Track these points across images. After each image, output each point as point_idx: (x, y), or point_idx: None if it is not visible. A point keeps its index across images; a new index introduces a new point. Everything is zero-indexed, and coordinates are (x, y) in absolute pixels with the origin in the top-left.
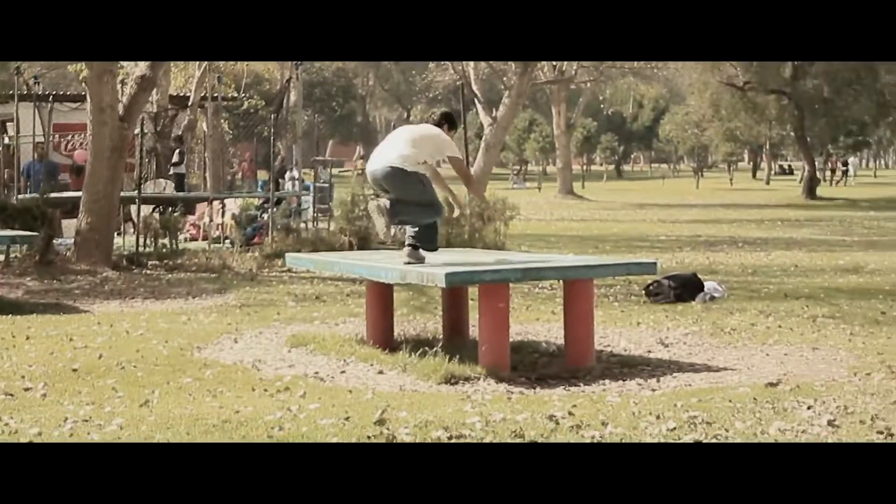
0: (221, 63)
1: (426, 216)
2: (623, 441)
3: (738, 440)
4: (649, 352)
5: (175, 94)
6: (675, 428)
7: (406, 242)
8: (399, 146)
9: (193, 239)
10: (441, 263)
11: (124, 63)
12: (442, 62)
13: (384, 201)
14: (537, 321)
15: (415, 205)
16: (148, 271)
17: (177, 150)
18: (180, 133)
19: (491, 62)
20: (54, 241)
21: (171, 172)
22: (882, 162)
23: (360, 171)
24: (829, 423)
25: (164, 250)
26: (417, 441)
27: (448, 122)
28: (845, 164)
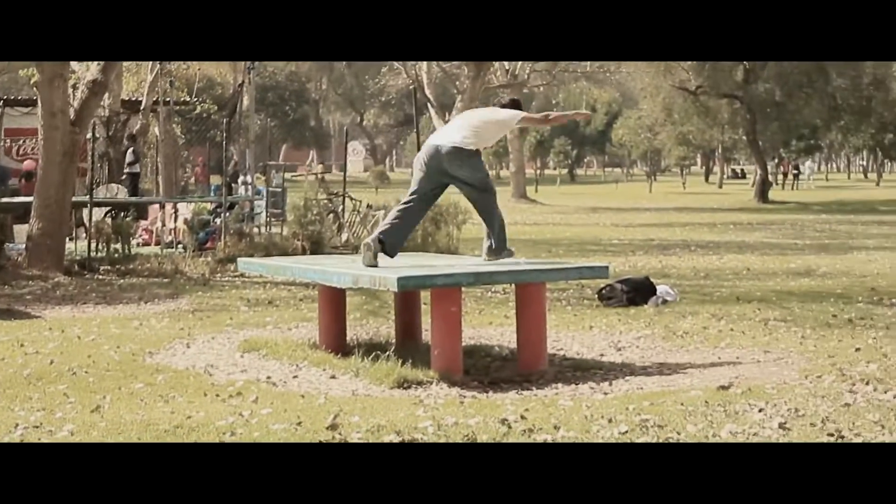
0: (174, 67)
1: (492, 204)
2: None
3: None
4: (602, 355)
5: (127, 98)
6: (626, 431)
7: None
8: (463, 130)
9: (146, 244)
10: (394, 267)
11: (76, 67)
12: (395, 67)
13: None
14: (490, 325)
15: (479, 189)
16: (100, 276)
17: (130, 150)
18: (133, 133)
19: (444, 67)
20: (6, 246)
21: (126, 172)
22: (834, 165)
23: (315, 175)
24: (781, 425)
25: (116, 255)
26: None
27: (516, 108)
28: (797, 167)
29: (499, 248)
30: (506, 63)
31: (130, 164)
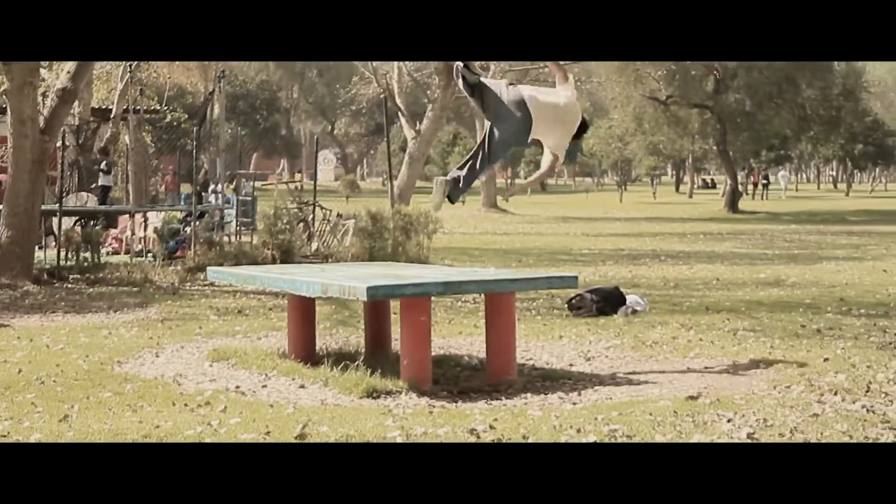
0: (144, 75)
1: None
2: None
3: None
4: (571, 365)
5: (97, 106)
6: (595, 441)
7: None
8: (543, 114)
9: (116, 252)
10: (363, 277)
11: (45, 76)
12: (366, 76)
13: (453, 176)
14: (460, 335)
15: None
16: (69, 285)
17: (104, 161)
18: (105, 146)
19: (414, 75)
20: None
21: (101, 185)
22: (804, 175)
23: (287, 184)
24: (749, 435)
25: (85, 264)
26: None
27: (583, 132)
28: (766, 177)
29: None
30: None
31: (105, 174)
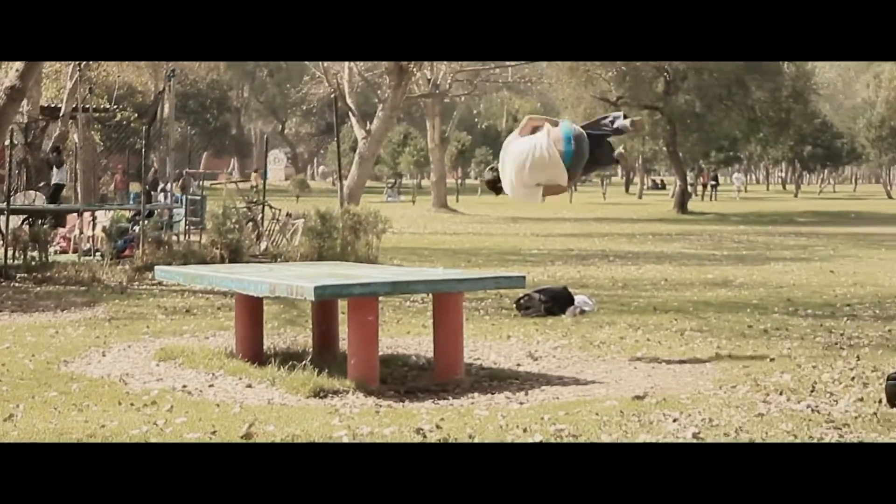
0: (94, 74)
1: None
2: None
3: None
4: (519, 365)
5: (46, 105)
6: (541, 441)
7: None
8: None
9: (64, 251)
10: (311, 276)
11: None
12: (317, 76)
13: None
14: (408, 334)
15: None
16: (16, 284)
17: (57, 160)
18: (55, 144)
19: (365, 75)
20: None
21: (54, 181)
22: (753, 177)
23: (240, 183)
24: (694, 435)
25: (33, 263)
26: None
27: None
28: (715, 178)
29: None
30: (427, 72)
31: (59, 170)
